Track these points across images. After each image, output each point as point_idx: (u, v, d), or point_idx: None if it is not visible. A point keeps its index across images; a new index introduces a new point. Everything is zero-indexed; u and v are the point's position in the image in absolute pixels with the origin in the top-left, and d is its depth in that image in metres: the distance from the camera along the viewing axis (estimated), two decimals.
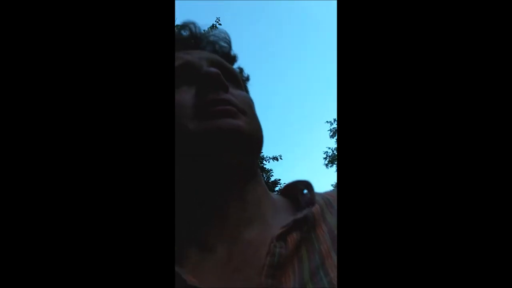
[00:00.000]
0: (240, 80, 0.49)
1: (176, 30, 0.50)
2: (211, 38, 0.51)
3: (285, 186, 0.48)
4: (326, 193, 0.44)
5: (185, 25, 0.50)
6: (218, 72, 0.41)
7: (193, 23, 0.50)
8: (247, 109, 0.42)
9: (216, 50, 0.50)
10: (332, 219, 0.38)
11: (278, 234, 0.35)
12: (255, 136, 0.42)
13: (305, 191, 0.44)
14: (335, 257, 0.33)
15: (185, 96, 0.41)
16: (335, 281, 0.31)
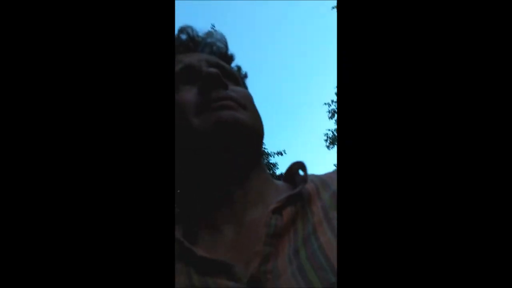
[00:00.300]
0: (238, 78, 0.52)
1: (176, 35, 0.53)
2: (209, 40, 0.54)
3: (285, 171, 0.51)
4: (324, 174, 0.47)
5: (183, 29, 0.53)
6: (217, 72, 0.44)
7: (190, 27, 0.54)
8: (247, 103, 0.46)
9: (213, 51, 0.53)
10: (327, 197, 0.41)
11: (273, 208, 0.39)
12: (254, 128, 0.45)
13: (300, 171, 0.48)
14: (326, 226, 0.37)
15: (187, 95, 0.44)
16: (325, 245, 0.35)
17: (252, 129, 0.44)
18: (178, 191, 0.49)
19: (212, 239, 0.41)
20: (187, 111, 0.43)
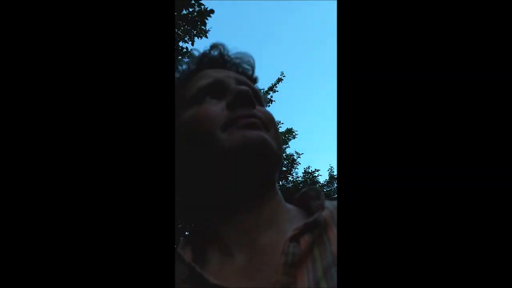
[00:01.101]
0: (262, 99, 0.52)
1: (207, 50, 0.56)
2: (236, 60, 0.55)
3: (297, 195, 0.50)
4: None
5: (215, 46, 0.56)
6: (248, 89, 0.45)
7: (223, 45, 0.56)
8: (271, 126, 0.46)
9: (239, 71, 0.54)
10: None
11: (291, 236, 0.38)
12: (277, 150, 0.45)
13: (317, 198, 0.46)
14: None
15: (214, 108, 0.45)
16: None
17: (274, 150, 0.44)
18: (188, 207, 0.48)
19: (222, 263, 0.41)
20: (213, 124, 0.44)
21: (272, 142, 0.43)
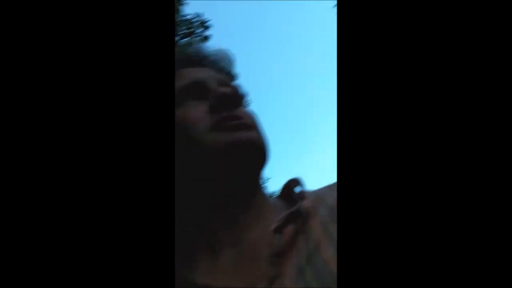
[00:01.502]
0: (243, 97, 0.52)
1: (181, 48, 0.54)
2: (215, 58, 0.54)
3: (281, 188, 0.50)
4: (319, 189, 0.47)
5: (190, 43, 0.55)
6: (232, 91, 0.45)
7: (200, 43, 0.57)
8: (256, 125, 0.46)
9: (218, 68, 0.53)
10: (324, 212, 0.41)
11: (274, 227, 0.39)
12: (265, 149, 0.45)
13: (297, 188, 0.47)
14: (327, 241, 0.37)
15: (197, 111, 0.44)
16: (329, 262, 0.35)
17: (263, 150, 0.44)
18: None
19: (211, 263, 0.40)
20: (198, 128, 0.43)
21: (261, 141, 0.44)
